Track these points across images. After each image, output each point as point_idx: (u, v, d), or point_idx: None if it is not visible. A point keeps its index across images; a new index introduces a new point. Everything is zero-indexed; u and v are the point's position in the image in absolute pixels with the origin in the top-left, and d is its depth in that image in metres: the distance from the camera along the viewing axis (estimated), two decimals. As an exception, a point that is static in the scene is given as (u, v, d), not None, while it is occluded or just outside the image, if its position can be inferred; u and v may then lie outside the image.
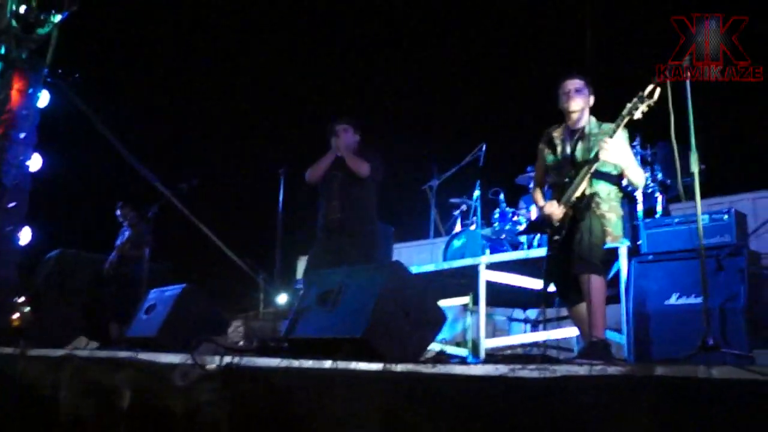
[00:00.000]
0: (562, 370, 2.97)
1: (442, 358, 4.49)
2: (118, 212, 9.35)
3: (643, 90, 4.63)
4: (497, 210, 8.06)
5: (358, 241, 6.05)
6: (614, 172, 4.87)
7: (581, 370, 2.92)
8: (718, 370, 2.49)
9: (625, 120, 4.68)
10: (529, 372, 3.02)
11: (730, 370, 2.46)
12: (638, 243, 5.44)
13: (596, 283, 4.58)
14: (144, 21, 12.73)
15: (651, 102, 4.61)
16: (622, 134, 4.79)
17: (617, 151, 4.70)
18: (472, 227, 8.01)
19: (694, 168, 4.05)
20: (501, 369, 3.16)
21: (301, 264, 13.37)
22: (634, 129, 6.17)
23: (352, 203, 6.12)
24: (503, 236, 7.70)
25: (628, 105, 4.67)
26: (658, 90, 4.58)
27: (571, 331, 6.98)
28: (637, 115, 4.65)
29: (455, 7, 12.21)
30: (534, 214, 7.28)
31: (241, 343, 7.20)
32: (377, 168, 6.17)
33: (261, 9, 13.04)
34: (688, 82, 4.08)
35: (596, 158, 4.70)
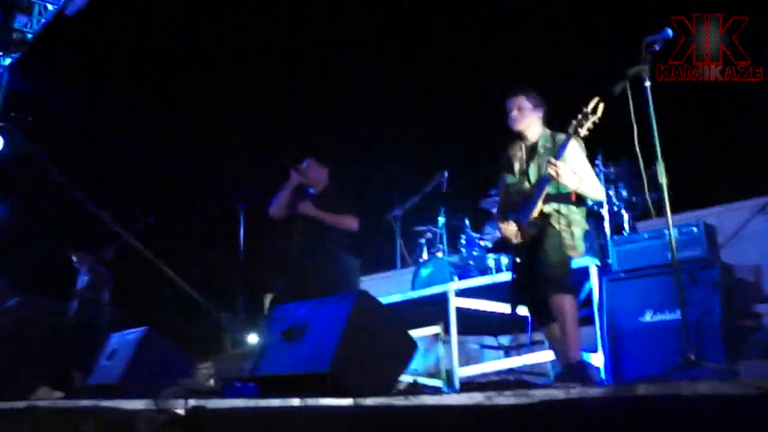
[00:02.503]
0: (539, 394, 2.83)
1: (414, 389, 4.33)
2: (74, 258, 9.14)
3: (586, 106, 4.57)
4: (463, 236, 7.96)
5: (327, 276, 5.89)
6: (570, 190, 4.77)
7: (560, 393, 2.78)
8: (704, 386, 2.37)
9: (571, 139, 4.61)
10: (505, 399, 2.88)
11: (717, 386, 2.34)
12: (608, 261, 5.35)
13: (565, 303, 4.46)
14: (91, 61, 12.59)
15: (595, 118, 4.54)
16: (575, 146, 4.70)
17: (568, 171, 4.61)
18: (439, 254, 7.89)
19: (662, 179, 3.96)
20: (476, 397, 3.01)
21: (269, 301, 13.17)
22: (595, 146, 6.14)
23: (317, 241, 5.97)
24: (471, 262, 7.59)
25: (573, 122, 4.60)
26: (602, 105, 4.52)
27: (544, 356, 6.87)
28: (583, 132, 4.57)
29: (411, 31, 12.21)
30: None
31: (211, 383, 7.03)
32: (357, 209, 6.08)
33: (212, 40, 12.97)
34: (649, 94, 4.00)
35: (548, 178, 4.62)
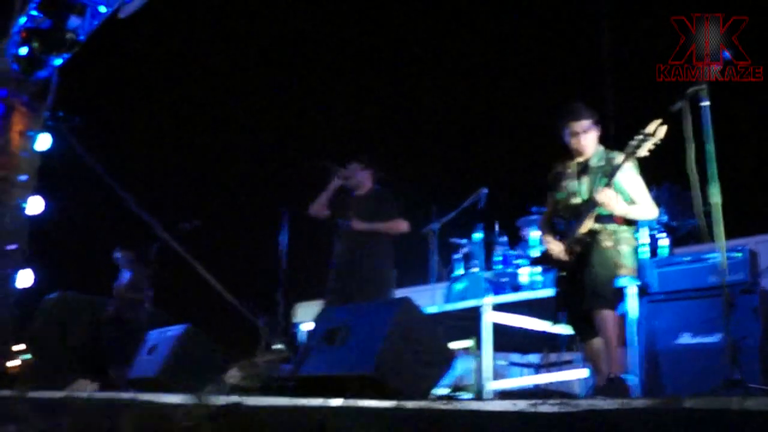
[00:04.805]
0: (584, 404, 2.89)
1: (455, 395, 4.39)
2: (118, 255, 9.27)
3: (645, 127, 4.58)
4: (498, 253, 7.98)
5: (369, 286, 5.98)
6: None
7: (605, 403, 2.84)
8: (754, 402, 2.40)
9: (629, 160, 4.64)
10: (549, 407, 2.93)
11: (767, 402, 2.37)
12: (646, 282, 5.38)
13: (609, 318, 4.51)
14: (144, 64, 12.83)
15: (656, 140, 4.55)
16: (630, 168, 4.75)
17: (617, 200, 4.67)
18: (474, 270, 7.92)
19: (716, 199, 3.97)
20: (520, 404, 3.07)
21: (299, 309, 13.22)
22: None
23: (365, 246, 6.07)
24: (505, 279, 7.61)
25: (632, 143, 4.60)
26: (664, 128, 4.53)
27: (573, 375, 6.87)
28: (642, 153, 4.58)
29: (452, 46, 12.32)
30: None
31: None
32: (402, 212, 6.18)
33: (260, 50, 13.16)
34: (708, 112, 4.03)
35: (598, 201, 4.67)
